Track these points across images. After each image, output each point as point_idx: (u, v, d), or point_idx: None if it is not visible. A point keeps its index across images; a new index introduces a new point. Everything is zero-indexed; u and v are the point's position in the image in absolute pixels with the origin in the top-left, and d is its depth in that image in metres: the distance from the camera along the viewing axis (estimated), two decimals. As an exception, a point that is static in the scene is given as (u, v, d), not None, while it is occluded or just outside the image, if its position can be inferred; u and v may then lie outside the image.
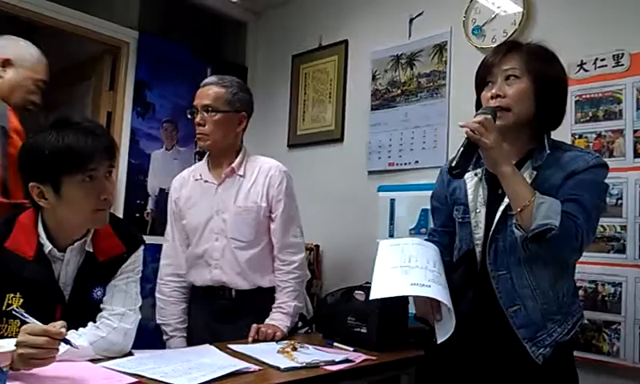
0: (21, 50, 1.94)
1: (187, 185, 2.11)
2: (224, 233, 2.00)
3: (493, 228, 1.43)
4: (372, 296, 1.40)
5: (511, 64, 1.43)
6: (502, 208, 1.42)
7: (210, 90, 2.01)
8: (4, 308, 1.37)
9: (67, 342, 1.20)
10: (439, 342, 1.40)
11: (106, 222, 1.46)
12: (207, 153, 2.11)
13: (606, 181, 1.89)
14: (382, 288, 1.41)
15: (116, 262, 1.52)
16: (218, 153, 2.06)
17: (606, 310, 1.91)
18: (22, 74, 1.92)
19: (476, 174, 1.50)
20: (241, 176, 2.03)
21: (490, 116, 1.36)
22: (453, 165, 1.36)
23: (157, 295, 2.11)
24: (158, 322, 2.09)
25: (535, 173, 1.40)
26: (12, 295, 1.37)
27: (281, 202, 2.01)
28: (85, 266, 1.46)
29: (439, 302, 1.39)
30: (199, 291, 2.06)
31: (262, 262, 2.02)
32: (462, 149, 1.36)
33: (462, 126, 1.37)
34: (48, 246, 1.41)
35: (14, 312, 1.25)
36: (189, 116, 2.06)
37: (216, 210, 2.02)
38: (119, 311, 1.48)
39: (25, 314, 1.23)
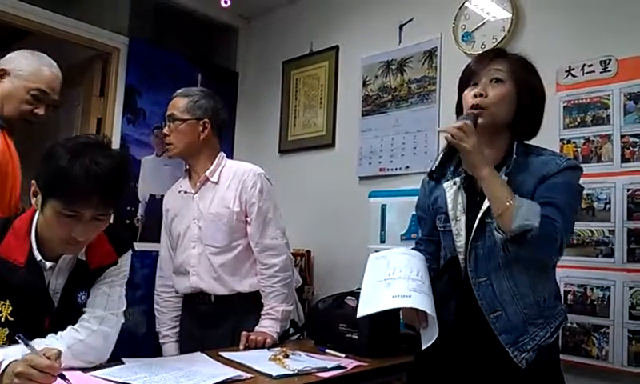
0: (21, 60, 1.89)
1: (174, 197, 2.18)
2: (200, 240, 2.04)
3: (472, 235, 1.45)
4: (358, 314, 1.43)
5: (497, 67, 1.46)
6: (479, 215, 1.43)
7: (175, 101, 2.08)
8: None
9: (62, 376, 1.18)
10: (423, 347, 1.42)
11: (75, 253, 1.44)
12: (185, 164, 2.17)
13: (594, 185, 1.94)
14: (366, 305, 1.44)
15: (105, 266, 1.51)
16: (191, 161, 2.12)
17: (595, 314, 1.92)
18: (15, 83, 1.87)
19: (455, 183, 1.52)
20: (214, 183, 2.07)
21: (469, 121, 1.39)
22: (432, 169, 1.41)
23: (154, 305, 2.20)
24: (156, 329, 2.18)
25: (507, 178, 1.41)
26: (2, 302, 1.36)
27: (254, 204, 2.03)
28: (75, 273, 1.45)
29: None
30: (184, 299, 2.13)
31: (238, 267, 2.04)
32: (442, 153, 1.41)
33: (441, 131, 1.40)
34: (38, 256, 1.39)
35: (17, 338, 1.23)
36: (162, 128, 2.14)
37: (193, 219, 2.06)
38: (100, 314, 1.46)
39: (29, 343, 1.21)
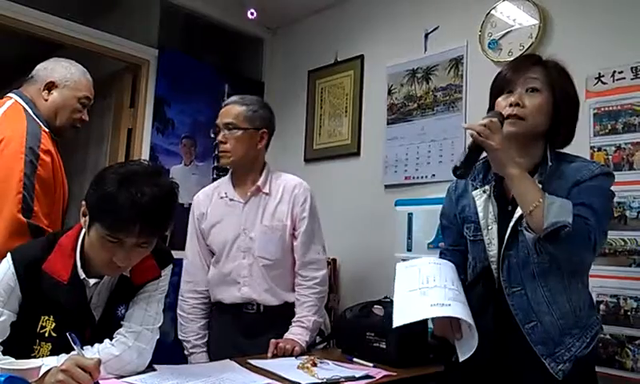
0: (63, 70, 1.99)
1: (211, 202, 2.13)
2: (251, 251, 2.03)
3: (504, 244, 1.42)
4: (394, 324, 1.38)
5: (534, 76, 1.44)
6: (511, 224, 1.41)
7: (232, 108, 2.07)
8: (38, 330, 1.39)
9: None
10: (461, 359, 1.38)
11: (117, 275, 1.46)
12: (230, 170, 2.15)
13: (626, 194, 1.91)
14: (403, 314, 1.40)
15: (147, 280, 1.53)
16: (241, 170, 2.10)
17: (629, 325, 1.88)
18: (65, 94, 1.96)
19: (484, 191, 1.50)
20: (266, 194, 2.07)
21: (495, 119, 1.36)
22: (457, 165, 1.36)
23: (178, 311, 2.15)
24: (180, 337, 2.12)
25: (541, 186, 1.39)
26: (46, 318, 1.39)
27: (304, 219, 2.05)
28: (118, 289, 1.48)
29: (459, 320, 1.38)
30: (226, 308, 2.06)
31: (287, 279, 2.06)
32: (466, 151, 1.37)
33: (466, 128, 1.38)
34: (82, 274, 1.41)
35: (67, 334, 1.25)
36: (212, 135, 2.12)
37: (243, 229, 2.04)
38: (136, 329, 1.47)
39: (77, 340, 1.24)
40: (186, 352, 2.09)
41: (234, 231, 2.05)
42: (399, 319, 1.39)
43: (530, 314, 1.39)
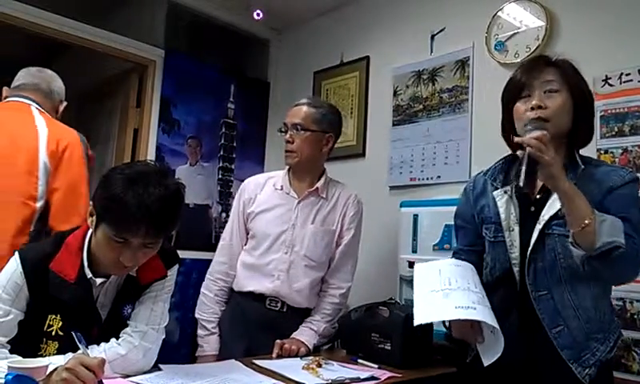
0: (63, 89, 2.19)
1: (262, 190, 2.14)
2: (294, 248, 2.04)
3: (530, 248, 1.40)
4: (416, 322, 1.36)
5: (550, 77, 1.42)
6: (539, 227, 1.39)
7: (301, 109, 2.10)
8: (45, 328, 1.39)
9: (101, 383, 1.20)
10: (486, 364, 1.37)
11: (123, 275, 1.47)
12: (289, 167, 2.16)
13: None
14: (425, 313, 1.37)
15: (154, 280, 1.53)
16: (302, 169, 2.12)
17: (636, 329, 1.88)
18: (62, 108, 2.20)
19: (505, 192, 1.48)
20: (323, 198, 2.10)
21: (546, 131, 1.33)
22: (521, 185, 1.31)
23: (203, 290, 2.13)
24: (198, 316, 2.10)
25: None
26: (53, 317, 1.39)
27: (351, 230, 2.09)
28: (125, 288, 1.49)
29: (480, 323, 1.37)
30: (249, 296, 2.04)
31: (320, 285, 2.09)
32: (524, 167, 1.31)
33: (518, 142, 1.34)
34: (89, 274, 1.42)
35: (73, 333, 1.26)
36: (279, 133, 2.15)
37: (292, 224, 2.06)
38: (142, 329, 1.47)
39: (82, 339, 1.24)
40: (203, 331, 2.06)
41: (283, 224, 2.06)
42: (421, 317, 1.36)
43: (556, 319, 1.37)
